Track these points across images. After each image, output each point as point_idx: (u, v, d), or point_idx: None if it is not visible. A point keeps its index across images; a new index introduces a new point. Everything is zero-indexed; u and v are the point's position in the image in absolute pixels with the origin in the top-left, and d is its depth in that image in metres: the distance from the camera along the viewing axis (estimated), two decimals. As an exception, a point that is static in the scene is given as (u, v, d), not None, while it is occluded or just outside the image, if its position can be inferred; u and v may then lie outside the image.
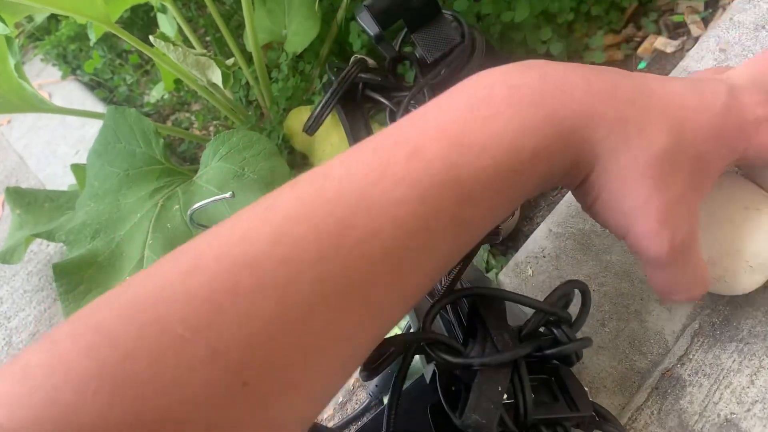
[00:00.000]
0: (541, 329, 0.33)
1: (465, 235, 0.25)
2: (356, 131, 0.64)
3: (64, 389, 0.19)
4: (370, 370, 0.30)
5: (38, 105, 0.90)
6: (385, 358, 0.30)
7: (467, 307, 0.34)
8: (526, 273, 0.58)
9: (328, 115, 0.63)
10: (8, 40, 0.85)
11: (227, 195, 0.63)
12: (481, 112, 0.25)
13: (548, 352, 0.31)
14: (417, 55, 0.60)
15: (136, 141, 0.82)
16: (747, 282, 0.36)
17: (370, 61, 0.66)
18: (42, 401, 0.19)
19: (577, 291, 0.33)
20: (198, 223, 0.67)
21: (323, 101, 0.62)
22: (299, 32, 1.01)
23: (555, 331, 0.31)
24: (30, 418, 0.18)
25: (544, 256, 0.58)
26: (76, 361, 0.19)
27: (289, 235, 0.22)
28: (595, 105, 0.26)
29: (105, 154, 0.82)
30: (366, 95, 0.62)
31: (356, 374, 0.39)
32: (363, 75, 0.60)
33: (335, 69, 0.60)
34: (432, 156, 0.24)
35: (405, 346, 0.31)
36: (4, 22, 0.79)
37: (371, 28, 0.56)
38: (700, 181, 0.29)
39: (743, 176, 0.38)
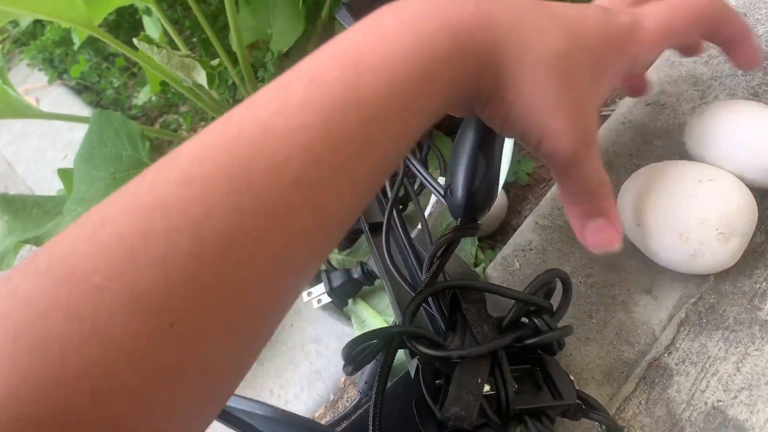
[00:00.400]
0: (524, 320, 0.33)
1: (380, 155, 0.25)
2: None
3: None
4: (353, 363, 0.30)
5: (24, 111, 0.90)
6: (367, 353, 0.30)
7: (448, 300, 0.34)
8: (514, 266, 0.58)
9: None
10: (-9, 45, 0.84)
11: None
12: (373, 34, 0.25)
13: (528, 342, 0.31)
14: None
15: (123, 144, 0.82)
16: (724, 250, 0.37)
17: None
18: None
19: (558, 280, 0.33)
20: None
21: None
22: (284, 31, 1.00)
23: (536, 320, 0.31)
24: None
25: (531, 249, 0.58)
26: None
27: (196, 176, 0.22)
28: (490, 11, 0.27)
29: (91, 159, 0.82)
30: None
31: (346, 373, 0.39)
32: None
33: None
34: (330, 80, 0.24)
35: (386, 340, 0.30)
36: (-15, 27, 0.78)
37: (348, 22, 0.56)
38: (601, 85, 0.30)
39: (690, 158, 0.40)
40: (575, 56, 0.28)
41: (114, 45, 0.83)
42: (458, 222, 0.36)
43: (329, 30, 1.01)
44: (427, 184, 0.46)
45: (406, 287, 0.42)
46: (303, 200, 0.23)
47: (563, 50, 0.28)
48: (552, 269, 0.32)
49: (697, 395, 0.40)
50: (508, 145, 0.35)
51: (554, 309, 0.32)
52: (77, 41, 1.03)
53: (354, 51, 0.25)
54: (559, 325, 0.33)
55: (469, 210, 0.35)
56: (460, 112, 0.30)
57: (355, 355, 0.30)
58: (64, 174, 0.92)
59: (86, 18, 0.78)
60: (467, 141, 0.34)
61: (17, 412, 0.18)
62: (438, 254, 0.36)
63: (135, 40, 0.90)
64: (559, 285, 0.35)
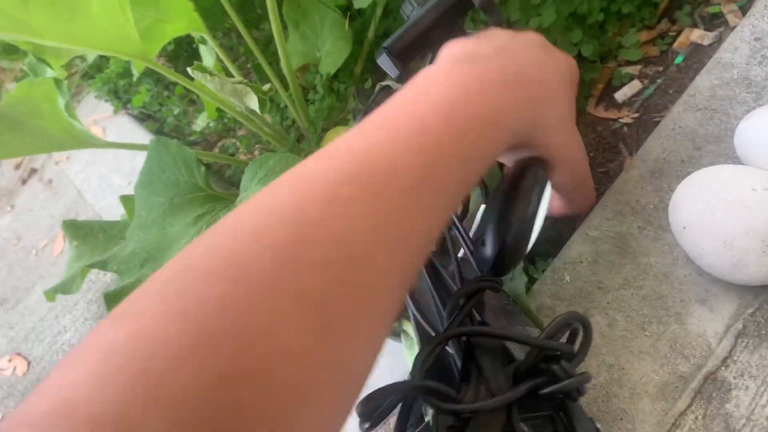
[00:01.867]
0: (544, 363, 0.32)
1: (468, 171, 0.30)
2: None
3: (157, 356, 0.18)
4: (370, 419, 0.29)
5: (89, 141, 0.94)
6: (383, 408, 0.29)
7: (463, 346, 0.34)
8: (564, 280, 0.57)
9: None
10: (57, 82, 0.89)
11: None
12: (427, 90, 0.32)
13: (544, 391, 0.30)
14: None
15: (179, 170, 0.85)
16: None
17: (397, 87, 0.67)
18: (132, 374, 0.18)
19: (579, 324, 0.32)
20: None
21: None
22: (332, 53, 1.02)
23: (553, 367, 0.30)
24: (119, 394, 0.18)
25: (581, 262, 0.57)
26: (164, 329, 0.19)
27: (340, 196, 0.25)
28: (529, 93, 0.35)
29: (150, 185, 0.85)
30: None
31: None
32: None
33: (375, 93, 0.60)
34: (437, 130, 0.29)
35: (402, 395, 0.30)
36: (49, 65, 0.83)
37: (392, 71, 0.56)
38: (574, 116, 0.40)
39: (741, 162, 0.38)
40: (568, 109, 0.39)
41: (170, 75, 0.87)
42: (483, 273, 0.36)
43: (376, 50, 1.03)
44: (457, 232, 0.46)
45: (428, 328, 0.42)
46: (417, 215, 0.26)
47: (564, 109, 0.38)
48: (571, 312, 0.32)
49: (758, 410, 0.38)
50: (543, 207, 0.36)
51: (575, 352, 0.31)
52: (136, 73, 1.07)
53: (449, 104, 0.30)
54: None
55: (496, 267, 0.35)
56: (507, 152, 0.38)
57: (372, 411, 0.29)
58: (126, 201, 0.96)
59: (142, 51, 0.82)
60: (504, 197, 0.35)
61: (193, 407, 0.18)
62: (460, 304, 0.36)
63: (189, 69, 0.94)
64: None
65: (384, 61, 0.56)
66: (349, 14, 0.99)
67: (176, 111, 1.40)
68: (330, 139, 0.97)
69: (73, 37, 0.73)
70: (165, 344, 0.19)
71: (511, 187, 0.35)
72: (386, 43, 0.57)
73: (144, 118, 1.49)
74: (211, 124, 1.32)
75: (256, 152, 1.23)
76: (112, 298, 0.73)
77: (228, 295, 0.20)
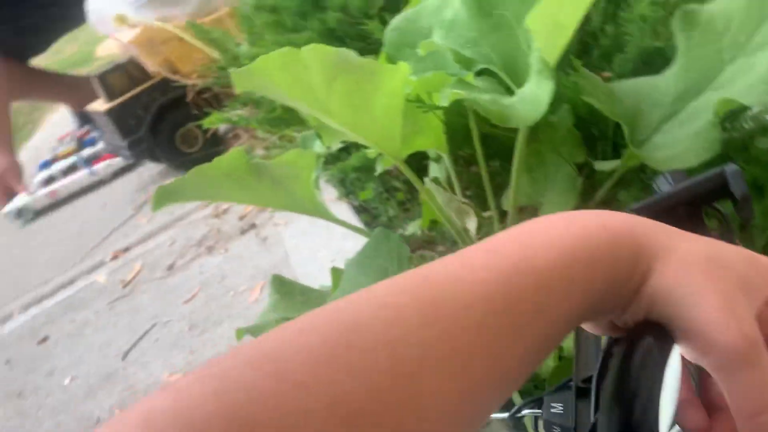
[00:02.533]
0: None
1: (549, 321, 0.27)
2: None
3: (192, 428, 0.19)
4: None
5: (323, 212, 1.07)
6: None
7: None
8: None
9: None
10: (318, 157, 1.04)
11: None
12: (542, 225, 0.30)
13: None
14: None
15: (392, 261, 0.92)
16: None
17: None
18: None
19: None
20: None
21: None
22: (555, 202, 1.07)
23: None
24: None
25: None
26: (201, 406, 0.20)
27: (392, 304, 0.25)
28: (640, 222, 0.31)
29: (362, 266, 0.94)
30: None
31: None
32: None
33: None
34: (508, 252, 0.28)
35: None
36: (321, 142, 0.97)
37: None
38: (752, 298, 0.29)
39: None
40: (720, 263, 0.29)
41: (411, 179, 0.97)
42: None
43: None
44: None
45: None
46: (482, 346, 0.25)
47: (707, 253, 0.30)
48: None
49: None
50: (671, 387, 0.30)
51: None
52: (379, 169, 1.21)
53: (527, 234, 0.30)
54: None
55: None
56: (609, 310, 0.31)
57: None
58: (335, 272, 1.06)
59: (398, 152, 0.94)
60: (619, 376, 0.31)
61: None
62: None
63: (426, 180, 1.04)
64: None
65: None
66: (584, 173, 1.05)
67: (392, 213, 1.53)
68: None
69: (355, 125, 0.86)
70: (201, 420, 0.20)
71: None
72: (634, 205, 0.59)
73: (361, 210, 1.64)
74: (418, 233, 1.42)
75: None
76: None
77: (264, 385, 0.21)
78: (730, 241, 0.60)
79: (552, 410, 0.60)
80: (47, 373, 1.62)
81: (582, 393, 0.57)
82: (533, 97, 0.73)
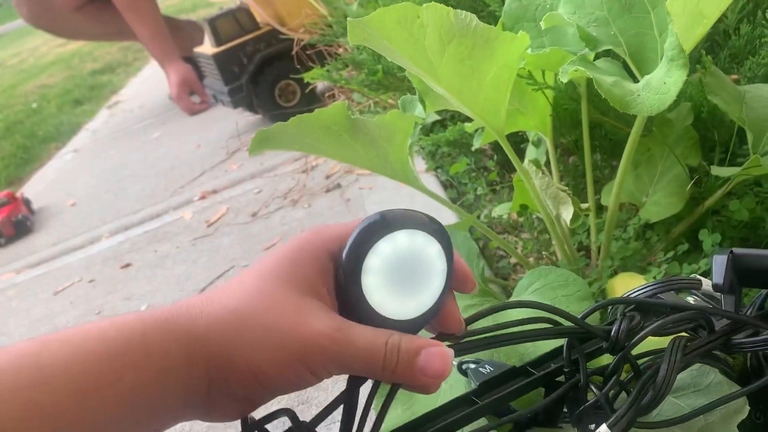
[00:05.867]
0: None
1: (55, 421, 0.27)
2: None
3: None
4: None
5: (412, 180, 1.05)
6: None
7: None
8: None
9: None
10: (416, 123, 1.01)
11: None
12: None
13: None
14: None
15: (464, 258, 0.90)
16: None
17: (704, 284, 0.61)
18: None
19: None
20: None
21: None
22: (659, 204, 1.01)
23: None
24: None
25: None
26: None
27: None
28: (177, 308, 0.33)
29: None
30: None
31: None
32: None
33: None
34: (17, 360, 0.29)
35: None
36: (423, 107, 0.95)
37: (718, 275, 0.51)
38: None
39: None
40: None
41: (511, 156, 0.94)
42: None
43: (704, 221, 0.99)
44: None
45: None
46: None
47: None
48: None
49: None
50: None
51: None
52: (477, 144, 1.17)
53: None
54: None
55: None
56: (189, 411, 0.32)
57: None
58: None
59: (503, 127, 0.90)
60: None
61: None
62: None
63: (526, 161, 1.00)
64: None
65: (718, 261, 0.52)
66: (696, 178, 0.98)
67: (480, 191, 1.49)
68: (619, 281, 0.95)
69: (461, 93, 0.83)
70: None
71: None
72: (738, 249, 0.53)
73: (447, 185, 1.62)
74: (504, 217, 1.38)
75: (531, 258, 1.24)
76: None
77: None
78: None
79: (481, 369, 0.57)
80: (126, 297, 1.70)
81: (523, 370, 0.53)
82: (661, 85, 0.68)
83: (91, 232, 2.32)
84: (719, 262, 0.52)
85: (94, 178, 3.00)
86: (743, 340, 0.53)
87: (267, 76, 2.58)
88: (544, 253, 1.17)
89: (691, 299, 0.65)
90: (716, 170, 0.87)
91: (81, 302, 1.79)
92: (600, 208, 1.11)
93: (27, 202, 2.71)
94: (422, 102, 0.97)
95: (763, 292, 0.62)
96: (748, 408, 0.59)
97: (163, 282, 1.71)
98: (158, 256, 1.90)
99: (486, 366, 0.59)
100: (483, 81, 0.82)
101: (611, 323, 0.50)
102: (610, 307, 0.53)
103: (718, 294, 0.54)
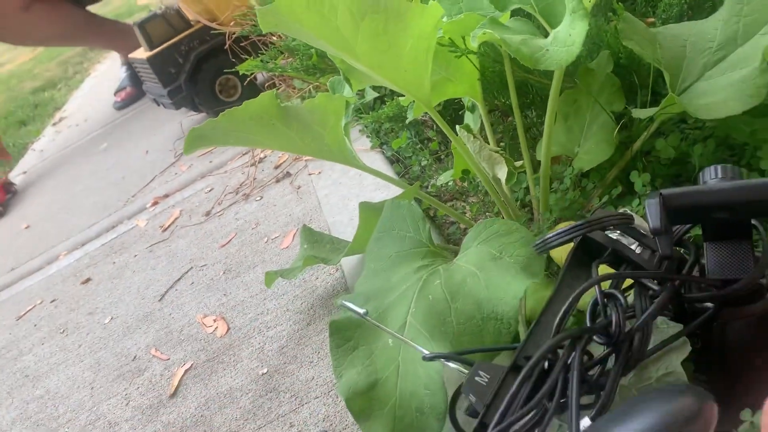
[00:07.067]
0: None
1: None
2: (569, 277, 0.63)
3: None
4: None
5: (352, 160, 1.06)
6: None
7: None
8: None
9: (558, 245, 0.64)
10: (347, 103, 1.02)
11: (361, 311, 0.71)
12: None
13: None
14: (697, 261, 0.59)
15: (407, 227, 0.91)
16: None
17: (637, 219, 0.65)
18: None
19: None
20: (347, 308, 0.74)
21: (563, 231, 0.63)
22: (591, 152, 1.04)
23: None
24: None
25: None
26: None
27: None
28: None
29: (381, 240, 0.92)
30: (616, 256, 0.61)
31: None
32: (616, 239, 0.60)
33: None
34: None
35: None
36: (350, 86, 0.96)
37: (653, 219, 0.53)
38: None
39: None
40: None
41: (441, 125, 0.96)
42: None
43: (636, 163, 1.03)
44: None
45: None
46: None
47: None
48: None
49: None
50: None
51: None
52: (410, 117, 1.19)
53: None
54: None
55: None
56: None
57: None
58: (363, 207, 1.04)
59: (429, 98, 0.92)
60: None
61: None
62: None
63: (458, 127, 1.02)
64: None
65: (651, 205, 0.54)
66: (622, 122, 1.01)
67: (424, 162, 1.51)
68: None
69: (382, 68, 0.84)
70: None
71: None
72: (666, 191, 0.54)
73: (393, 160, 1.63)
74: (449, 184, 1.40)
75: (478, 221, 1.27)
76: (335, 327, 0.80)
77: None
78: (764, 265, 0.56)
79: (476, 378, 0.61)
80: (89, 312, 1.68)
81: (516, 369, 0.58)
82: (567, 37, 0.70)
83: (48, 252, 2.29)
84: (652, 206, 0.54)
85: (46, 197, 2.94)
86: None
87: (205, 73, 2.55)
88: (488, 214, 1.20)
89: (624, 240, 0.68)
90: (637, 113, 0.91)
91: (44, 323, 1.77)
92: (537, 164, 1.14)
93: (-22, 231, 2.65)
94: (348, 81, 0.98)
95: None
96: (689, 347, 0.63)
97: (124, 292, 1.70)
98: (117, 267, 1.88)
99: (480, 373, 0.62)
100: (401, 54, 0.84)
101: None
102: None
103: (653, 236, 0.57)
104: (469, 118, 1.32)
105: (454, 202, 1.41)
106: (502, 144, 1.42)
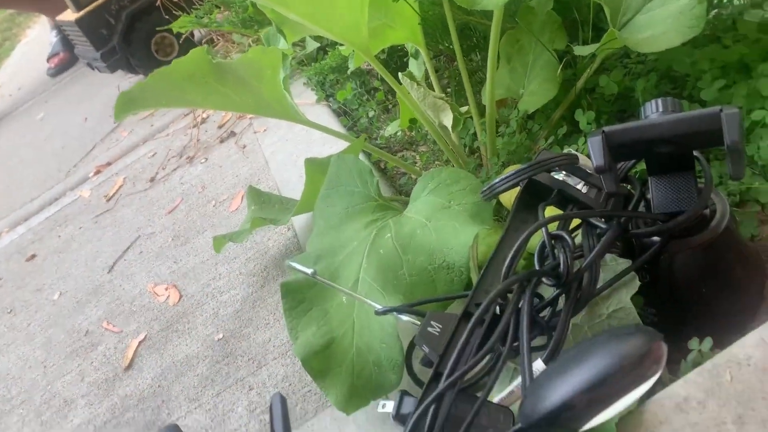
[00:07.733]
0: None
1: None
2: (517, 221, 0.64)
3: None
4: None
5: (293, 115, 1.03)
6: None
7: None
8: (724, 377, 0.53)
9: (504, 191, 0.63)
10: (284, 55, 0.98)
11: (309, 271, 0.72)
12: None
13: None
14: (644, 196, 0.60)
15: (355, 182, 0.88)
16: None
17: (582, 159, 0.65)
18: None
19: None
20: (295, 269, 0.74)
21: (509, 175, 0.63)
22: (536, 93, 1.03)
23: None
24: None
25: (749, 365, 0.52)
26: None
27: None
28: None
29: (329, 198, 0.89)
30: (562, 197, 0.62)
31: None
32: (561, 180, 0.61)
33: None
34: None
35: None
36: (285, 38, 0.92)
37: (597, 157, 0.53)
38: None
39: None
40: None
41: (382, 73, 0.93)
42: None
43: (581, 101, 1.02)
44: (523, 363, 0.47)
45: None
46: None
47: None
48: None
49: None
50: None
51: None
52: (352, 66, 1.15)
53: None
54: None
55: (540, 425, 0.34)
56: None
57: None
58: (309, 163, 1.01)
59: (367, 46, 0.88)
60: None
61: None
62: None
63: (400, 75, 0.99)
64: None
65: (594, 143, 0.53)
66: (564, 60, 1.00)
67: (371, 114, 1.48)
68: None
69: (314, 16, 0.80)
70: None
71: None
72: (608, 128, 0.54)
73: (341, 113, 1.59)
74: (398, 134, 1.38)
75: (432, 167, 1.26)
76: (287, 288, 0.78)
77: None
78: (707, 196, 0.57)
79: (429, 329, 0.61)
80: (36, 289, 1.63)
81: (467, 317, 0.58)
82: (502, -25, 0.68)
83: (-11, 231, 2.19)
84: (595, 144, 0.54)
85: (-19, 173, 2.81)
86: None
87: (139, 32, 2.44)
88: (437, 163, 1.18)
89: (570, 180, 0.67)
90: (578, 50, 0.89)
91: (-10, 305, 1.71)
92: (483, 109, 1.12)
93: None
94: (281, 32, 0.93)
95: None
96: (638, 282, 0.63)
97: (72, 266, 1.64)
98: (62, 240, 1.81)
99: (432, 323, 0.61)
100: (335, 1, 0.80)
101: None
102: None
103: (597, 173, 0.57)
104: (413, 65, 1.29)
105: (404, 153, 1.38)
106: (449, 90, 1.40)
